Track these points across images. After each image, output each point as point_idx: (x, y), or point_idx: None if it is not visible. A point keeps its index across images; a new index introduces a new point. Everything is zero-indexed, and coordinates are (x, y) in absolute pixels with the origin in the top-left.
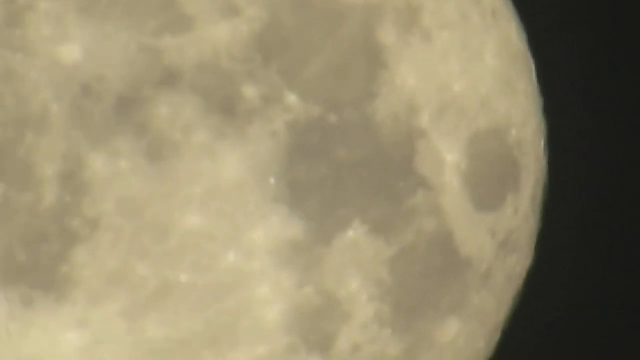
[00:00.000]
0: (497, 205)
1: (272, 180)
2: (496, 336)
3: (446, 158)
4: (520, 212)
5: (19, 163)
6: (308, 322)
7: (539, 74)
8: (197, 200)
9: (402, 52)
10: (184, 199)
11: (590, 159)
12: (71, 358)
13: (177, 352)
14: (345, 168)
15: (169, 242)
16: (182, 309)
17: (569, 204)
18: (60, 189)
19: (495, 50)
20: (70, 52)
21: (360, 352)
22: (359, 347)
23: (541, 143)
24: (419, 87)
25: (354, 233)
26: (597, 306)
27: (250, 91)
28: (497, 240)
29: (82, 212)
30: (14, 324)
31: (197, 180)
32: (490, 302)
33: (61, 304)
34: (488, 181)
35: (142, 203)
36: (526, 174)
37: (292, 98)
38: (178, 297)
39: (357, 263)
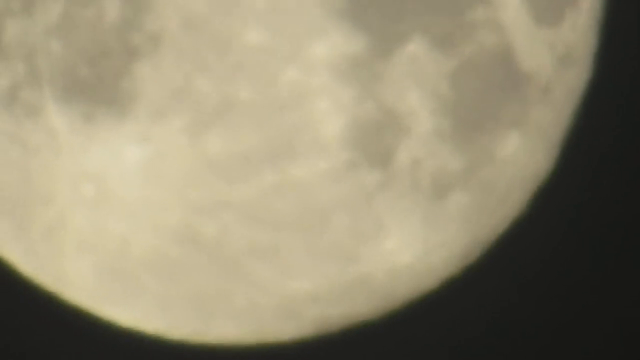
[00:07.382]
0: (556, 20)
1: None
2: (556, 152)
3: None
4: (579, 27)
5: None
6: (368, 136)
7: None
8: (258, 15)
9: None
10: (245, 14)
11: None
12: (132, 172)
13: (237, 166)
14: None
15: (230, 57)
16: (242, 124)
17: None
18: (122, 5)
19: None
20: None
21: (420, 167)
22: (420, 162)
23: None
24: None
25: (415, 47)
26: None
27: None
28: (556, 55)
29: (144, 27)
30: (77, 139)
31: None
32: (549, 117)
33: (123, 119)
34: None
35: (203, 18)
36: None
37: None
38: (239, 113)
39: (418, 77)
